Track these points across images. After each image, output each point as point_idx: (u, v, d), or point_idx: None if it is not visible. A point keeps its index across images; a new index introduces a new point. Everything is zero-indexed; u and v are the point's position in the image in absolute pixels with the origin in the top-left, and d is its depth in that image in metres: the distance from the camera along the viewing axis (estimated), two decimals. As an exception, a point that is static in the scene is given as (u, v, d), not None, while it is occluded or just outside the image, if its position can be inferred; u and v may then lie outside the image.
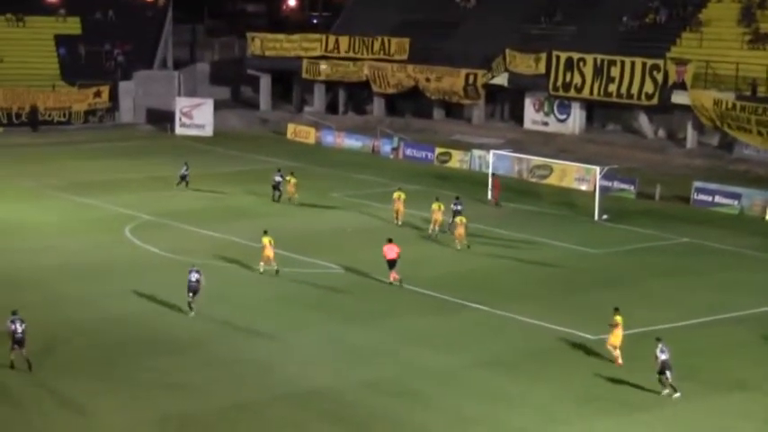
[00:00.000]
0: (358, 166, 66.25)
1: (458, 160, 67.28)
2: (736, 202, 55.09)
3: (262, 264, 42.00)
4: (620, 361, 32.90)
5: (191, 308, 37.08)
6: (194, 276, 37.08)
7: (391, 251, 40.94)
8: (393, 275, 40.74)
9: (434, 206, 48.28)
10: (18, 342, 31.80)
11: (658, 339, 31.25)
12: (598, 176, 54.81)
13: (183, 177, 58.13)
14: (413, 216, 50.70)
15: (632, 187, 58.56)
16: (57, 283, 41.11)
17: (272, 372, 32.36)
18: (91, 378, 31.68)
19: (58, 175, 62.44)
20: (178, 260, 43.82)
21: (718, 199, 55.76)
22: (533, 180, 62.16)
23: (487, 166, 59.95)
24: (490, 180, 56.74)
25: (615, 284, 41.93)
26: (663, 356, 30.58)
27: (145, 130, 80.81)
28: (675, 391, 30.46)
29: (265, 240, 41.89)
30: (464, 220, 46.45)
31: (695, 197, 56.60)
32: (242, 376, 32.03)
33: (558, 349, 34.59)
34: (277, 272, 41.81)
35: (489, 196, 55.93)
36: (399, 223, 50.18)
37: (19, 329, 31.79)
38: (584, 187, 59.25)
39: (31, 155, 69.57)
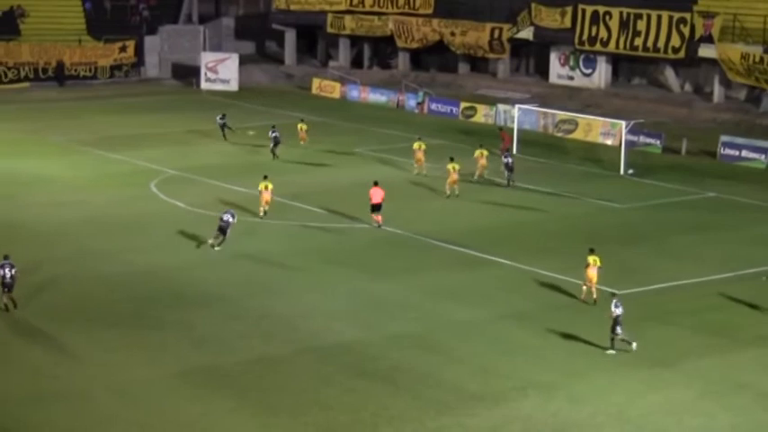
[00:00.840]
0: (383, 121, 66.18)
1: (483, 115, 67.10)
2: (763, 157, 54.81)
3: (261, 208, 43.11)
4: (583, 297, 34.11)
5: (212, 246, 38.83)
6: (226, 216, 38.92)
7: (377, 195, 41.79)
8: (377, 218, 41.78)
9: (477, 153, 49.79)
10: (7, 286, 32.64)
11: (613, 295, 31.71)
12: (624, 131, 54.61)
13: (223, 127, 58.65)
14: (435, 169, 50.58)
15: (658, 142, 58.32)
16: (84, 237, 41.38)
17: (297, 326, 32.56)
18: (117, 331, 31.97)
19: (84, 129, 62.66)
20: (203, 214, 44.02)
21: (744, 153, 55.50)
22: (559, 135, 61.98)
23: (512, 121, 59.76)
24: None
25: (640, 239, 41.88)
26: (618, 311, 30.47)
27: (170, 85, 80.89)
28: (630, 343, 30.50)
29: (262, 186, 43.07)
30: (457, 167, 46.80)
31: (722, 151, 56.32)
32: (267, 330, 32.24)
33: (578, 304, 34.60)
34: (265, 214, 42.93)
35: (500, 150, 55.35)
36: (424, 173, 50.23)
37: (8, 275, 32.58)
38: (609, 142, 59.03)
39: (58, 110, 69.79)
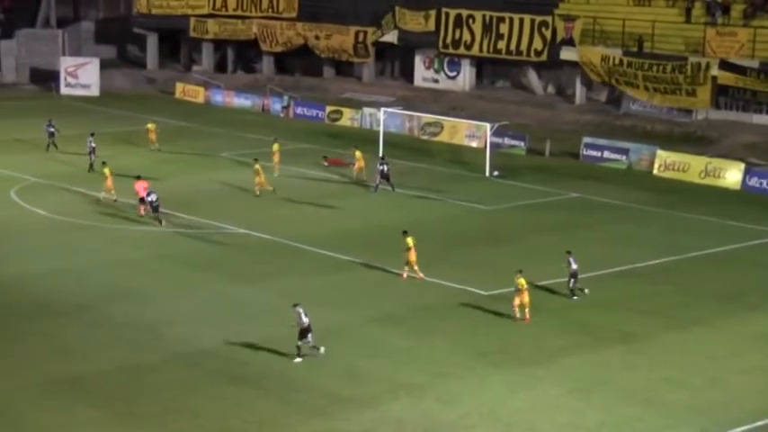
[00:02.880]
0: (248, 126, 65.62)
1: (348, 118, 67.04)
2: (624, 157, 55.83)
3: (102, 193, 44.76)
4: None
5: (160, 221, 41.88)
6: (153, 197, 41.97)
7: (141, 187, 43.36)
8: (143, 210, 43.09)
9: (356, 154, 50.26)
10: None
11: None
12: (489, 133, 55.05)
13: (51, 135, 56.71)
14: (302, 174, 50.28)
15: (522, 143, 58.96)
16: (-62, 248, 39.99)
17: (163, 333, 31.87)
18: (-25, 343, 30.89)
19: (-62, 136, 60.70)
20: (66, 222, 42.96)
21: (606, 154, 56.45)
22: (424, 137, 62.21)
23: (378, 124, 59.78)
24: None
25: (507, 240, 42.19)
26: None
27: (29, 91, 79.01)
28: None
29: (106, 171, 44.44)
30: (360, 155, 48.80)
31: (584, 152, 57.21)
32: (131, 338, 31.49)
33: (450, 305, 34.65)
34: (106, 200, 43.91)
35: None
36: (276, 174, 50.17)
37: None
38: (474, 144, 59.48)
39: None
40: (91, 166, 52.02)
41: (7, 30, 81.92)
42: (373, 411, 27.05)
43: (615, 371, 29.72)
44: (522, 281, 33.34)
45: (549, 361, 30.22)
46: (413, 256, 36.42)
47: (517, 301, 33.22)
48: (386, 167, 48.90)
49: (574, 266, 34.86)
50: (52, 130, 56.44)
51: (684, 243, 41.63)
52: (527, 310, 33.31)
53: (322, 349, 30.26)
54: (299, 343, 30.04)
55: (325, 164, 53.85)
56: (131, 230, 41.90)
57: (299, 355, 30.05)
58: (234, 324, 32.70)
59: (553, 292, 35.77)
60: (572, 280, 34.90)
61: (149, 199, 42.43)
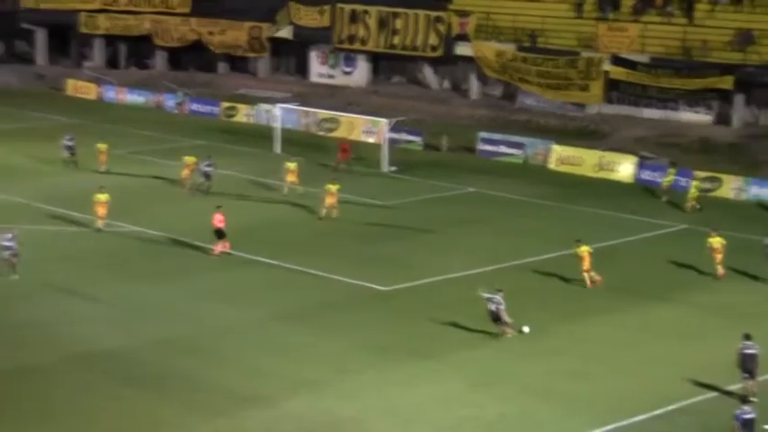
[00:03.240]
0: (142, 122, 64.72)
1: (244, 114, 66.54)
2: (520, 152, 56.27)
3: (98, 221, 41.16)
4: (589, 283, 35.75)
5: (13, 270, 35.70)
6: (6, 241, 35.67)
7: (217, 219, 38.79)
8: (217, 247, 38.65)
9: (188, 159, 48.05)
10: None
11: (499, 290, 31.83)
12: (385, 129, 55.04)
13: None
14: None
15: (419, 139, 59.09)
16: None
17: (58, 333, 31.24)
18: None
19: None
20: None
21: (502, 149, 56.85)
22: (321, 133, 61.98)
23: (274, 120, 59.36)
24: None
25: (406, 235, 42.21)
26: (491, 306, 31.48)
27: None
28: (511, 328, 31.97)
29: (98, 197, 41.11)
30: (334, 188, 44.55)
31: (480, 147, 57.54)
32: (25, 339, 30.81)
33: (351, 302, 34.57)
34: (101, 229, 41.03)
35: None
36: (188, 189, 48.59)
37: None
38: (371, 139, 59.41)
39: None
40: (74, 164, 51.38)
41: None
42: (274, 409, 26.84)
43: (514, 363, 29.90)
44: (582, 248, 35.49)
45: (449, 355, 30.29)
46: (587, 263, 35.91)
47: (584, 267, 35.65)
48: (210, 169, 47.58)
49: (494, 307, 31.43)
50: (71, 143, 52.31)
51: (580, 236, 41.83)
52: (592, 273, 35.57)
53: (525, 328, 31.53)
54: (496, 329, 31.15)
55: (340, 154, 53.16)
56: (24, 230, 40.95)
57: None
58: (132, 324, 32.19)
59: (452, 286, 35.85)
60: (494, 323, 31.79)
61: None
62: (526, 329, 31.56)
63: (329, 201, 43.80)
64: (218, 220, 38.79)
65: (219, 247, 38.63)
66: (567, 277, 36.99)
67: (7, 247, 35.63)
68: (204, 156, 49.05)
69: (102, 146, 51.79)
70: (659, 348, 31.20)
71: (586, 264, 35.92)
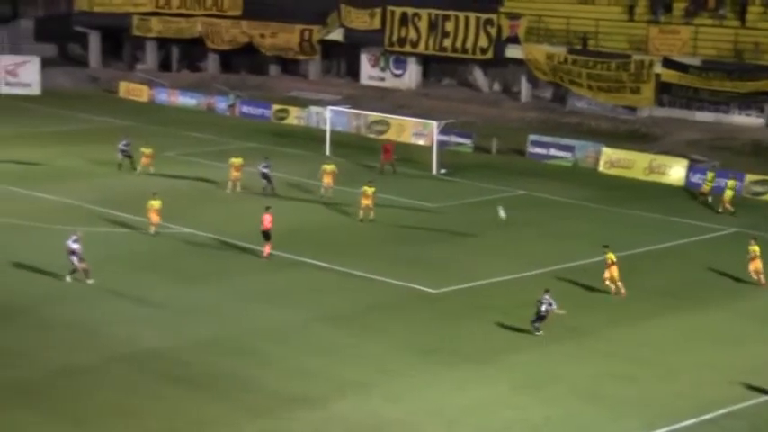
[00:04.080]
0: (193, 125, 65.13)
1: (295, 117, 66.75)
2: (569, 155, 56.02)
3: (152, 226, 41.04)
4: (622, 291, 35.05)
5: (70, 272, 35.46)
6: (73, 244, 35.29)
7: (267, 220, 38.77)
8: (268, 248, 38.64)
9: (234, 160, 48.32)
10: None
11: (546, 291, 31.84)
12: (435, 131, 55.01)
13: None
14: (251, 174, 49.96)
15: (469, 141, 58.99)
16: None
17: (106, 334, 31.46)
18: None
19: None
20: (8, 224, 42.40)
21: (552, 151, 56.62)
22: (371, 135, 62.04)
23: (324, 123, 59.49)
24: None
25: (455, 238, 42.15)
26: (541, 306, 31.34)
27: (-33, 90, 77.86)
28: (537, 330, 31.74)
29: (151, 204, 40.91)
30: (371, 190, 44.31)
31: (530, 150, 57.35)
32: (74, 340, 31.05)
33: (398, 303, 34.55)
34: (156, 233, 40.96)
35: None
36: (239, 190, 48.31)
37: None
38: (421, 142, 59.40)
39: None
40: (128, 166, 51.67)
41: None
42: (321, 410, 26.85)
43: (561, 366, 29.75)
44: (610, 255, 34.81)
45: (496, 358, 30.19)
46: (615, 271, 35.09)
47: (607, 275, 34.87)
48: (267, 170, 47.83)
49: (544, 308, 31.54)
50: (126, 148, 52.35)
51: (629, 239, 41.79)
52: (619, 284, 34.67)
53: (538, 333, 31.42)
54: (536, 325, 31.47)
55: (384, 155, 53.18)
56: (72, 232, 41.36)
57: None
58: (179, 325, 32.37)
59: (500, 289, 35.74)
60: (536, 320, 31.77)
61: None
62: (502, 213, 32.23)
63: (365, 202, 43.73)
64: (268, 222, 38.89)
65: (268, 248, 38.76)
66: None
67: (73, 251, 35.33)
68: (261, 158, 49.24)
69: (146, 150, 51.86)
70: (707, 352, 30.93)
71: (614, 272, 34.97)
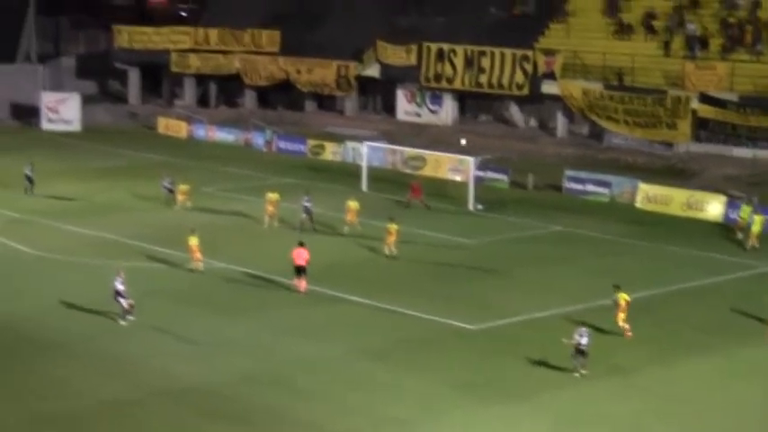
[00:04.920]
0: (231, 160, 65.61)
1: (331, 152, 67.11)
2: (606, 190, 56.00)
3: (193, 262, 41.27)
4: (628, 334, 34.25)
5: (122, 316, 35.40)
6: (118, 284, 35.36)
7: (300, 256, 39.04)
8: (300, 283, 38.81)
9: (271, 195, 48.60)
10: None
11: (582, 324, 31.96)
12: (472, 167, 55.17)
13: (29, 178, 54.68)
14: (287, 209, 50.29)
15: (505, 177, 59.11)
16: None
17: (146, 368, 31.72)
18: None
19: None
20: (50, 258, 42.87)
21: (589, 187, 56.64)
22: (408, 171, 62.27)
23: (360, 158, 59.85)
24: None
25: (491, 274, 42.22)
26: (579, 339, 31.21)
27: (9, 126, 78.78)
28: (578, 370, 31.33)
29: (191, 241, 41.10)
30: (395, 227, 44.44)
31: (567, 186, 57.39)
32: (116, 373, 31.33)
33: (436, 339, 34.62)
34: (196, 270, 41.07)
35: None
36: (276, 225, 48.72)
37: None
38: (458, 177, 59.56)
39: None
40: (171, 201, 52.22)
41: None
42: (360, 446, 26.97)
43: (603, 404, 29.71)
44: (621, 295, 34.19)
45: (536, 395, 30.18)
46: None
47: (621, 318, 34.19)
48: (309, 204, 48.19)
49: (580, 340, 31.26)
50: (169, 186, 52.99)
51: (667, 276, 41.75)
52: (624, 325, 34.10)
53: (577, 374, 30.96)
54: (575, 362, 31.00)
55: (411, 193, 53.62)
56: (117, 266, 41.71)
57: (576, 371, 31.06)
58: (218, 359, 32.58)
59: (538, 326, 35.76)
60: (578, 356, 31.34)
61: None
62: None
63: (389, 239, 43.92)
64: (301, 257, 39.10)
65: (304, 283, 38.98)
66: (654, 317, 36.71)
67: (119, 291, 35.28)
68: (302, 192, 49.57)
69: (183, 186, 52.43)
70: (748, 390, 30.81)
71: (623, 314, 34.27)
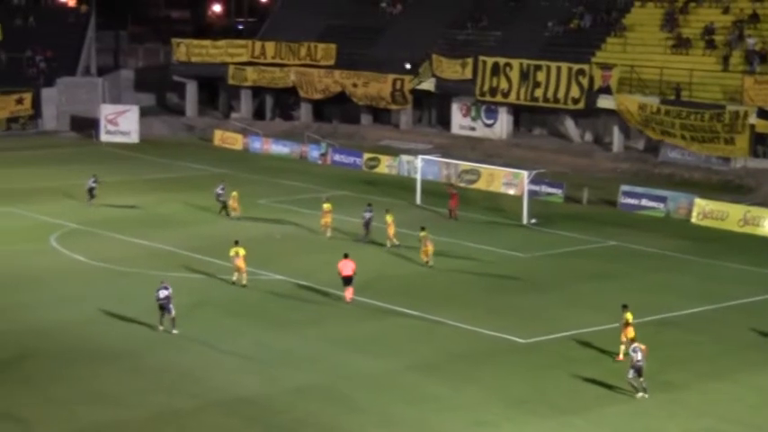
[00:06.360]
0: (286, 173, 65.97)
1: (386, 166, 67.26)
2: (662, 205, 55.63)
3: (235, 274, 41.35)
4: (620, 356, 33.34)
5: (161, 323, 35.88)
6: (162, 293, 35.79)
7: (346, 267, 39.47)
8: (346, 293, 39.25)
9: (388, 218, 47.73)
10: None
11: (633, 340, 31.40)
12: (526, 181, 55.07)
13: (91, 191, 55.71)
14: (342, 221, 50.50)
15: (560, 191, 58.89)
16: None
17: (200, 379, 31.96)
18: (11, 390, 31.04)
19: (-20, 183, 61.40)
20: (106, 268, 43.34)
21: (644, 202, 56.27)
22: (461, 185, 62.20)
23: (415, 171, 59.89)
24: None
25: (544, 288, 42.08)
26: (634, 356, 30.80)
27: (69, 138, 79.79)
28: (639, 391, 30.81)
29: (232, 252, 41.17)
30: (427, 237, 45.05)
31: (622, 201, 57.06)
32: (172, 385, 31.58)
33: (489, 353, 34.57)
34: (238, 284, 41.19)
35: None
36: (328, 235, 49.40)
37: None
38: (512, 192, 59.47)
39: (-48, 163, 68.40)
40: (222, 209, 53.21)
41: (49, 78, 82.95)
42: (411, 460, 26.98)
43: (653, 420, 29.51)
44: (628, 316, 33.50)
45: (587, 410, 30.05)
46: (631, 332, 33.29)
47: (624, 337, 33.34)
48: (369, 215, 48.33)
49: (636, 357, 30.77)
50: (221, 191, 53.73)
51: (722, 292, 41.39)
52: (622, 347, 33.24)
53: (640, 395, 30.51)
54: (634, 382, 30.59)
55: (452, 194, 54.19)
56: (171, 277, 42.04)
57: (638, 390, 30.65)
58: (270, 371, 32.75)
59: (590, 341, 35.58)
60: (630, 371, 30.87)
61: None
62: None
63: (427, 248, 44.41)
64: (347, 268, 39.28)
65: (350, 292, 39.11)
66: (709, 333, 36.40)
67: (164, 303, 35.75)
68: (365, 204, 49.89)
69: (234, 193, 53.02)
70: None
71: (630, 333, 33.23)
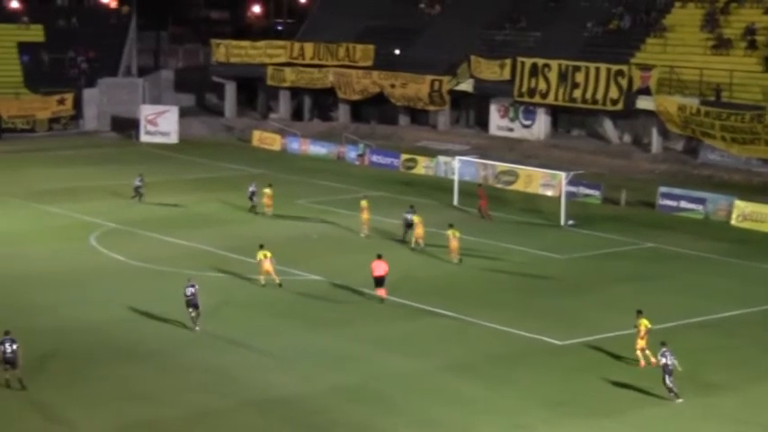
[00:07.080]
0: (324, 173, 66.13)
1: (423, 166, 67.27)
2: (701, 207, 55.31)
3: (261, 277, 41.43)
4: (642, 362, 32.97)
5: (194, 323, 36.17)
6: (189, 290, 36.13)
7: (380, 267, 39.62)
8: (380, 292, 39.51)
9: (416, 219, 47.69)
10: (8, 362, 31.10)
11: (663, 344, 31.14)
12: (564, 182, 54.92)
13: (138, 189, 56.70)
14: (379, 222, 50.59)
15: (598, 192, 58.68)
16: (20, 293, 40.71)
17: (238, 379, 32.14)
18: (51, 388, 31.34)
19: (22, 183, 61.90)
20: (144, 268, 43.65)
21: (683, 204, 55.96)
22: (499, 186, 62.17)
23: (452, 172, 59.88)
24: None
25: (581, 290, 41.98)
26: (663, 360, 30.59)
27: (109, 138, 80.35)
28: (677, 396, 30.53)
29: (260, 255, 41.17)
30: (457, 234, 45.26)
31: (660, 202, 56.78)
32: (206, 384, 31.78)
33: (524, 355, 34.54)
34: (280, 284, 41.15)
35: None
36: (366, 233, 49.59)
37: (8, 350, 31.09)
38: (549, 193, 59.33)
39: (-6, 163, 69.08)
40: (253, 209, 53.92)
41: (90, 78, 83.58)
42: (445, 460, 27.02)
43: (689, 423, 29.39)
44: (642, 321, 33.10)
45: (624, 412, 29.96)
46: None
47: (639, 345, 32.99)
48: (410, 216, 48.16)
49: (663, 360, 30.70)
50: (253, 189, 54.39)
51: (762, 294, 41.11)
52: (647, 352, 32.82)
53: (679, 400, 30.24)
54: (668, 383, 30.34)
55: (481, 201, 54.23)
56: (208, 277, 42.32)
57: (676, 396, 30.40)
58: (305, 371, 32.88)
59: (626, 344, 35.45)
60: (666, 377, 30.66)
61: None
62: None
63: (454, 245, 44.79)
64: (380, 268, 39.45)
65: (383, 291, 39.30)
66: (748, 336, 36.18)
67: (191, 301, 36.05)
68: (407, 206, 49.99)
69: (267, 190, 53.45)
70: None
71: (642, 341, 33.08)
